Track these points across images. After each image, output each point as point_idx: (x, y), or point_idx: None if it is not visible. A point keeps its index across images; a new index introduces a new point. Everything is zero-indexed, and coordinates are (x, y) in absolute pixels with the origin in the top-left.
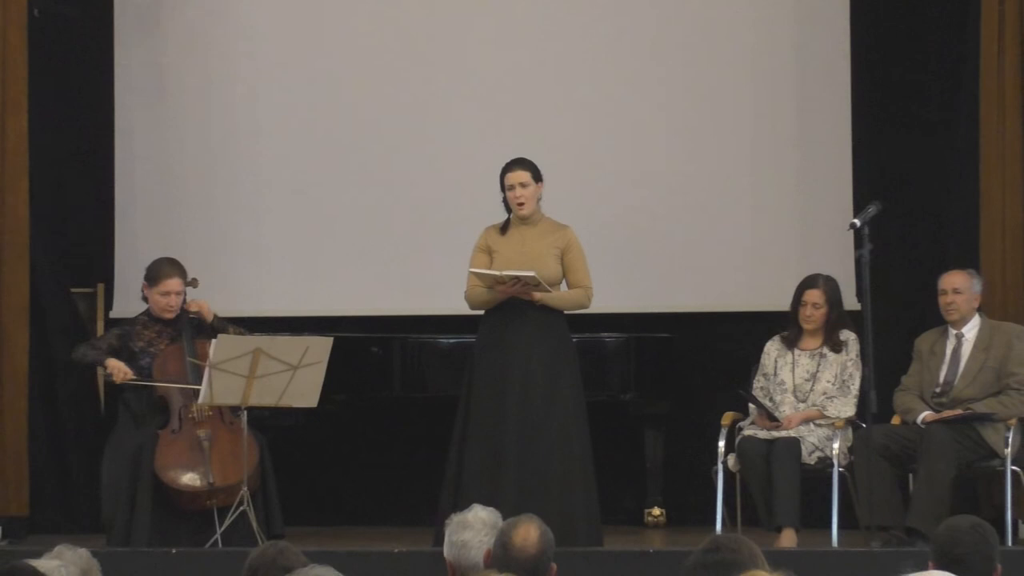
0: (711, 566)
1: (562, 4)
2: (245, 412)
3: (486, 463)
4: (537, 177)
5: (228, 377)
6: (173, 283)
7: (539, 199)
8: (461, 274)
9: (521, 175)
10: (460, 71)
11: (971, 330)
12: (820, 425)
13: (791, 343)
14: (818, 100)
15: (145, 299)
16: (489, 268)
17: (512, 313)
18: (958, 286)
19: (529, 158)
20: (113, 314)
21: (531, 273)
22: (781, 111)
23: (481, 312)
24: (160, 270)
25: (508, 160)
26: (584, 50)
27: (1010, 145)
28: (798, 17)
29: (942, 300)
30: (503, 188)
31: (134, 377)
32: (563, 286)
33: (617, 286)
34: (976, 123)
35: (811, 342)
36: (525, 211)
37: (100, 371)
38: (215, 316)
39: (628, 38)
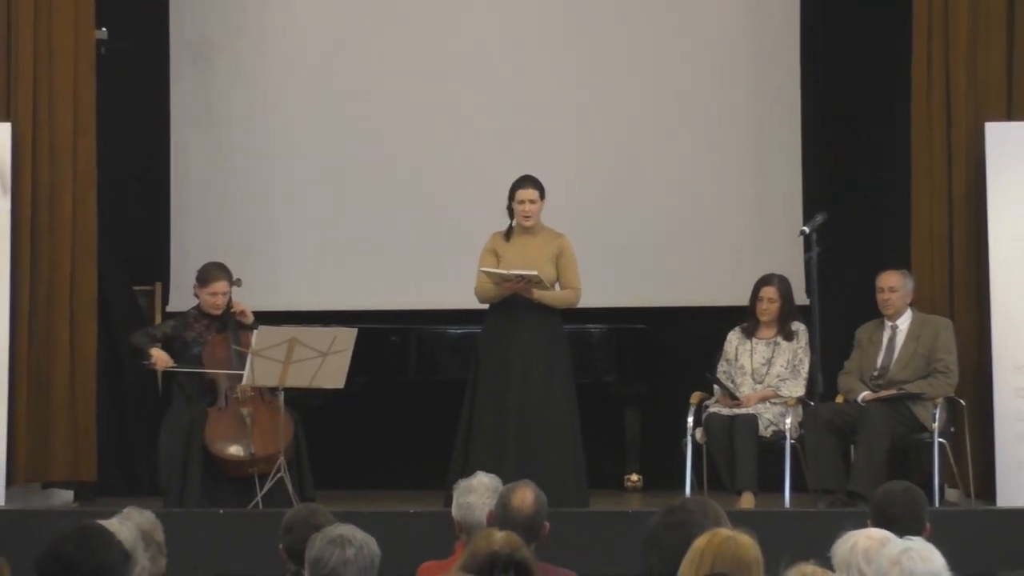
0: (670, 526)
1: (557, 41)
2: (282, 392)
3: (491, 437)
4: (542, 195)
5: (267, 362)
6: (220, 285)
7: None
8: (468, 273)
9: (531, 193)
10: (469, 98)
11: (904, 322)
12: (774, 403)
13: (749, 333)
14: (774, 125)
15: (196, 296)
16: (496, 268)
17: (514, 309)
18: (893, 284)
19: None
20: (169, 308)
21: (534, 272)
22: (742, 135)
23: (486, 307)
24: (209, 273)
25: (521, 176)
26: (576, 82)
27: (936, 163)
28: (756, 53)
29: (880, 296)
30: (511, 199)
31: (174, 364)
32: (556, 287)
33: (601, 284)
34: (908, 143)
35: (767, 332)
36: (530, 223)
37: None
38: (254, 321)
39: (612, 72)
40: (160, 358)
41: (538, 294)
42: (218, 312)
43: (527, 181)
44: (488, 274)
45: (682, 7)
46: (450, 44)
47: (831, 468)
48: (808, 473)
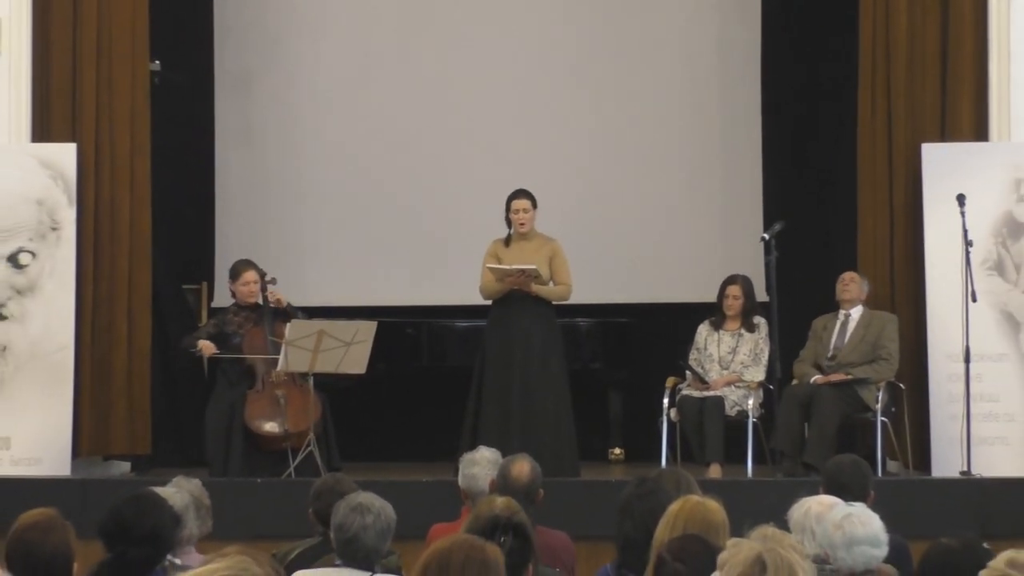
0: (641, 496)
1: (551, 74)
2: (311, 377)
3: (497, 416)
4: (534, 204)
5: (299, 351)
6: (250, 275)
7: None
8: (473, 274)
9: (524, 203)
10: (473, 122)
11: (856, 313)
12: (739, 387)
13: (717, 325)
14: (738, 146)
15: (232, 294)
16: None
17: (515, 304)
18: (854, 278)
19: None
20: (214, 304)
21: (533, 266)
22: (711, 155)
23: (490, 303)
24: (239, 268)
25: (515, 190)
26: (568, 108)
27: (879, 179)
28: (723, 84)
29: (840, 285)
30: (508, 209)
31: (216, 352)
32: (550, 284)
33: (589, 283)
34: (854, 162)
35: (732, 325)
36: (525, 229)
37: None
38: (288, 303)
39: (601, 99)
40: (205, 346)
41: (535, 288)
42: (252, 300)
43: (520, 193)
44: (492, 270)
45: (659, 42)
46: (456, 75)
47: (793, 436)
48: (768, 444)
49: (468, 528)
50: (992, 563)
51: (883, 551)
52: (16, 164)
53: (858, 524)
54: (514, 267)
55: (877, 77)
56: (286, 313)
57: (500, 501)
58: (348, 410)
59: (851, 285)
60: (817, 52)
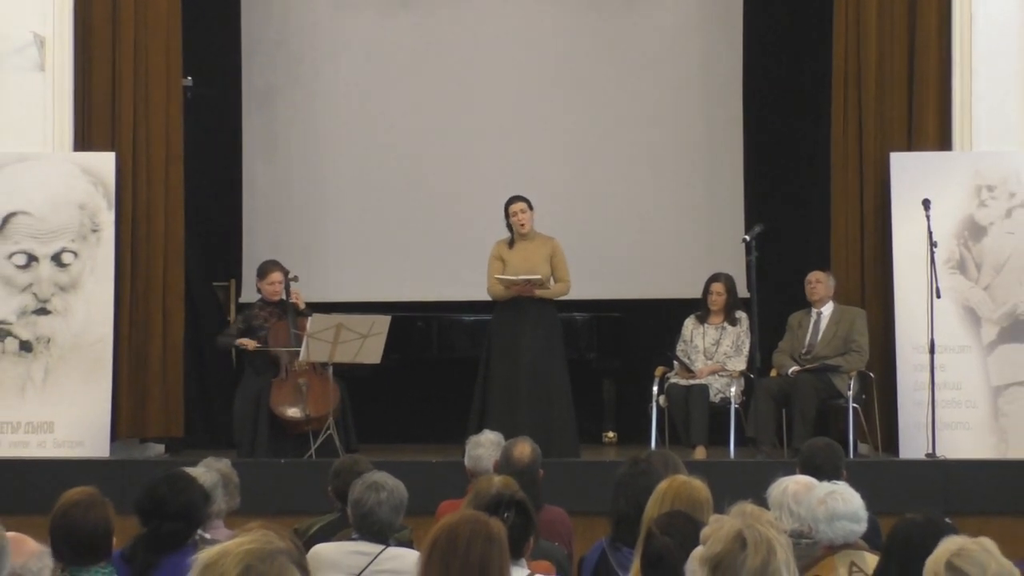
0: (634, 475)
1: (551, 91)
2: (331, 366)
3: (504, 403)
4: (530, 206)
5: (319, 343)
6: (275, 275)
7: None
8: (480, 273)
9: (521, 205)
10: (479, 133)
11: (827, 310)
12: (722, 376)
13: (702, 319)
14: (721, 156)
15: (259, 291)
16: (503, 272)
17: (519, 300)
18: (819, 278)
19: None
20: (242, 300)
21: (538, 276)
22: (697, 164)
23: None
24: (266, 267)
25: (510, 197)
26: (565, 122)
27: (851, 185)
28: (708, 100)
29: (808, 287)
30: (507, 215)
31: (258, 346)
32: (551, 280)
33: (584, 280)
34: (828, 169)
35: (716, 319)
36: (525, 230)
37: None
38: (305, 305)
39: (596, 114)
40: (247, 343)
41: (539, 292)
42: (277, 298)
43: (515, 198)
44: (501, 280)
45: (649, 58)
46: (463, 91)
47: (768, 424)
48: (748, 428)
49: (470, 505)
50: (935, 555)
51: (862, 527)
52: (60, 171)
53: (840, 500)
54: (520, 277)
55: (849, 91)
56: (303, 313)
57: (498, 480)
58: (364, 396)
59: (818, 286)
60: (794, 68)
